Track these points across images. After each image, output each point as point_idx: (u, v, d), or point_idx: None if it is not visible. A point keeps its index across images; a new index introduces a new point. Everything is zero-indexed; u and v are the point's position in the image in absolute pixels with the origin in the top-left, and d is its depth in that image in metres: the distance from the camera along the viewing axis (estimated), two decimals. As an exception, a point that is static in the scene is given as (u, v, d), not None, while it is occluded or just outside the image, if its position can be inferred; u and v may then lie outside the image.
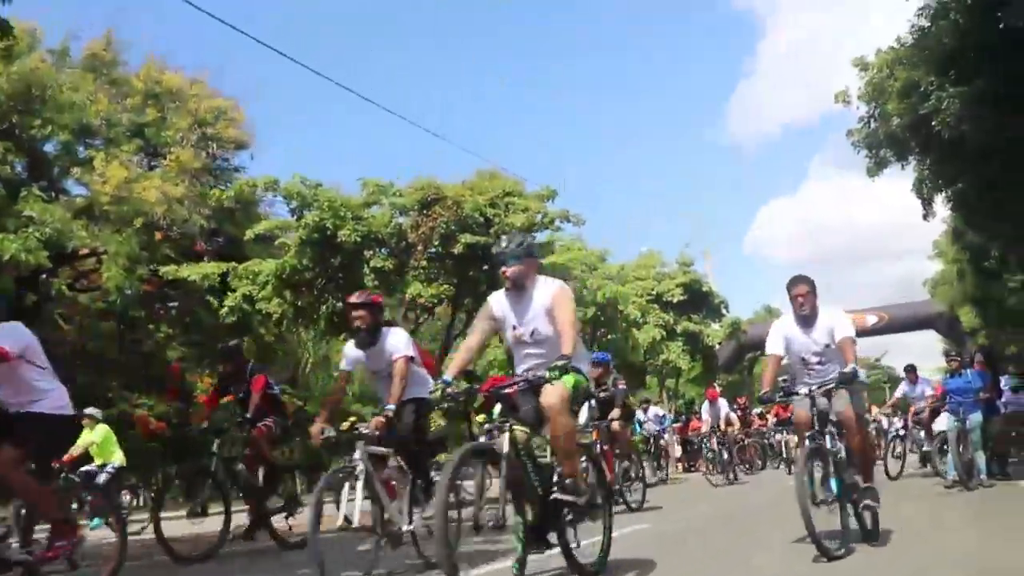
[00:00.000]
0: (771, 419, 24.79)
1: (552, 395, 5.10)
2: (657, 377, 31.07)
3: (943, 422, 13.74)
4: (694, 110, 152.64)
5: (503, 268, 5.60)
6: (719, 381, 33.34)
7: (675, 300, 29.02)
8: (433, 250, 15.95)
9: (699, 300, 30.64)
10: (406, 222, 16.19)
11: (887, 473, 15.12)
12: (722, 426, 19.30)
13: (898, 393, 16.39)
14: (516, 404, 5.46)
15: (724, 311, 31.85)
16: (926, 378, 16.78)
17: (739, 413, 23.40)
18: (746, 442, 22.48)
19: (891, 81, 14.46)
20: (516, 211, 16.27)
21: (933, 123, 12.97)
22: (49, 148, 25.58)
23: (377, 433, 6.35)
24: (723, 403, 20.20)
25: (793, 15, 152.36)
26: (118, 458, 13.41)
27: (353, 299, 7.08)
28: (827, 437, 6.52)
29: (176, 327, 28.93)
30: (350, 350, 7.04)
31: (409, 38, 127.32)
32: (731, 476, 18.87)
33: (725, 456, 19.02)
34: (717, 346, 32.26)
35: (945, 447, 13.49)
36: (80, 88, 25.44)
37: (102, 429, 13.18)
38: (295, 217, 15.42)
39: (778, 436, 24.30)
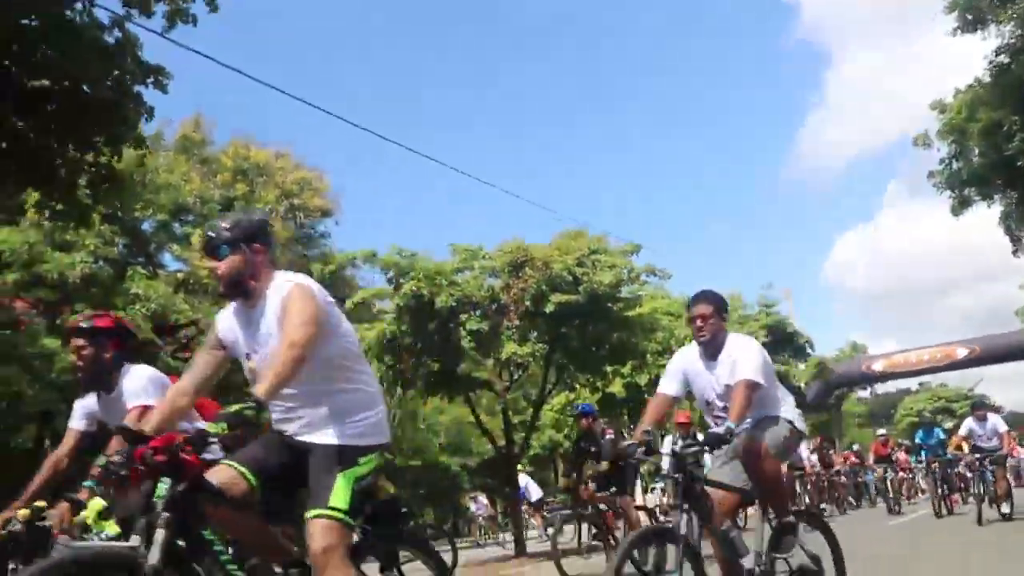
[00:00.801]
0: (870, 456, 24.47)
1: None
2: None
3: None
4: (762, 146, 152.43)
5: (211, 265, 3.84)
6: (810, 421, 33.21)
7: (760, 341, 29.10)
8: (524, 310, 16.46)
9: (784, 340, 30.70)
10: (497, 284, 16.74)
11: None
12: (807, 467, 18.66)
13: (963, 431, 15.13)
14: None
15: (809, 350, 31.80)
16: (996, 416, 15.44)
17: (816, 452, 22.29)
18: (825, 483, 21.30)
19: (972, 123, 14.62)
20: (603, 268, 16.71)
21: (1020, 163, 13.11)
22: (147, 227, 26.95)
23: None
24: (803, 444, 19.05)
25: (859, 49, 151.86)
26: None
27: (72, 323, 5.35)
28: (683, 516, 4.62)
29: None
30: (81, 403, 5.13)
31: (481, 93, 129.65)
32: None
33: (807, 500, 18.24)
34: (804, 386, 32.18)
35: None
36: (174, 169, 26.88)
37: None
38: (392, 285, 16.06)
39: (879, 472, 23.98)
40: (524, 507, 23.54)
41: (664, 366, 17.60)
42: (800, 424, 5.47)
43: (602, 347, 17.28)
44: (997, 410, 20.64)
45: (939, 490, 16.33)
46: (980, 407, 15.38)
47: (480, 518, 26.68)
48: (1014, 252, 17.06)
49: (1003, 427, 14.73)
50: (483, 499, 30.17)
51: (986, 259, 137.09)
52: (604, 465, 10.67)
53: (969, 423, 15.01)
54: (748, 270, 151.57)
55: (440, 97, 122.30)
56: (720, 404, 5.28)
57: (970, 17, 15.17)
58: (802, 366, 31.64)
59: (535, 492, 24.67)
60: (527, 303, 16.32)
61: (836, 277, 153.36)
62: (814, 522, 5.73)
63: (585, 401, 21.94)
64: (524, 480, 24.45)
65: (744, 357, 5.15)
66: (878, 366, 37.94)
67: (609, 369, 18.84)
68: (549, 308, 16.25)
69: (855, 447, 26.68)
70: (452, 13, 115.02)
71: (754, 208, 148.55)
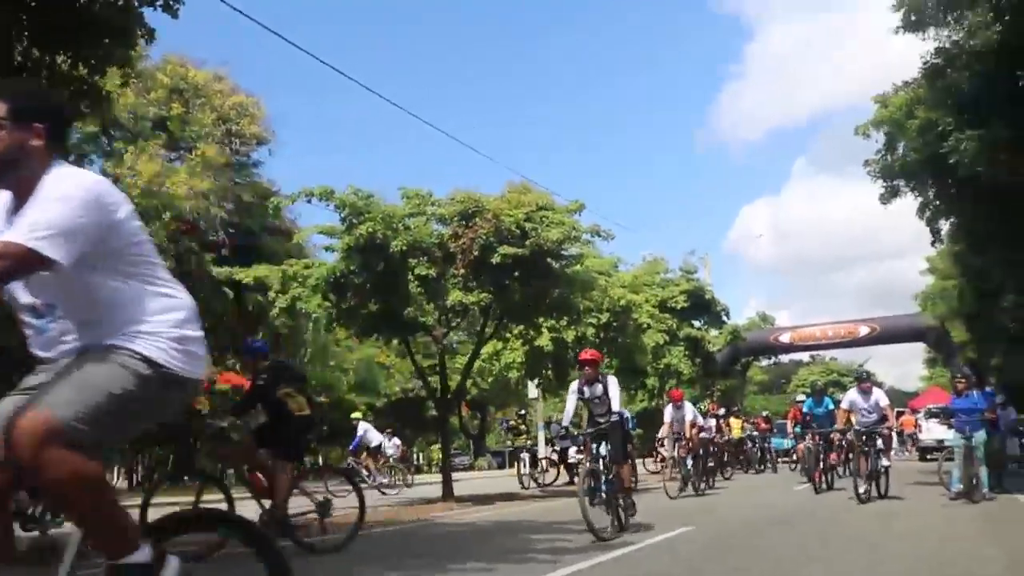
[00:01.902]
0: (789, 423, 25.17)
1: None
2: (658, 379, 32.00)
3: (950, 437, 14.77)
4: (680, 111, 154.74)
5: None
6: (719, 386, 34.58)
7: (679, 307, 30.09)
8: (471, 260, 16.83)
9: (701, 307, 31.73)
10: (446, 232, 17.06)
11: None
12: (687, 432, 17.65)
13: (845, 404, 15.33)
14: None
15: (725, 318, 32.91)
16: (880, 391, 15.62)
17: (713, 418, 22.45)
18: (714, 449, 20.81)
19: (911, 121, 15.47)
20: (551, 225, 17.16)
21: (951, 161, 13.95)
22: (75, 137, 26.19)
23: None
24: (688, 406, 18.56)
25: (781, 22, 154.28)
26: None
27: None
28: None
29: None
30: None
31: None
32: (698, 486, 17.46)
33: (689, 465, 17.49)
34: (717, 352, 33.34)
35: (949, 461, 14.68)
36: (107, 82, 26.14)
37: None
38: (345, 225, 16.20)
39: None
40: (364, 455, 24.13)
41: (594, 323, 18.03)
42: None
43: (542, 301, 17.76)
44: (880, 385, 21.53)
45: (819, 464, 16.86)
46: (865, 380, 15.37)
47: (391, 459, 26.85)
48: (933, 243, 18.17)
49: (885, 401, 14.92)
50: (397, 440, 30.39)
51: (883, 239, 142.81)
52: (263, 418, 9.39)
53: (852, 395, 15.09)
54: (666, 235, 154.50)
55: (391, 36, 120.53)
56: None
57: (913, 18, 15.95)
58: (716, 333, 32.83)
59: (375, 438, 24.75)
60: (476, 253, 16.70)
61: (739, 246, 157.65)
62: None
63: (514, 352, 22.52)
64: (364, 427, 24.72)
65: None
66: (785, 338, 39.54)
67: (543, 322, 19.39)
68: (496, 259, 16.66)
69: (765, 414, 27.83)
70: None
71: (670, 172, 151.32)
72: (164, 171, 25.75)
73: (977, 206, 16.00)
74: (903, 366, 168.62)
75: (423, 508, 16.27)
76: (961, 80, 14.32)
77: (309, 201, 16.14)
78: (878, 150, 17.29)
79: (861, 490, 13.78)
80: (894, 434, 20.38)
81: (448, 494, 17.91)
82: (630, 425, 20.22)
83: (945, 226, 18.74)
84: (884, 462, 14.61)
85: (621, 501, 10.22)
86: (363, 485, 12.00)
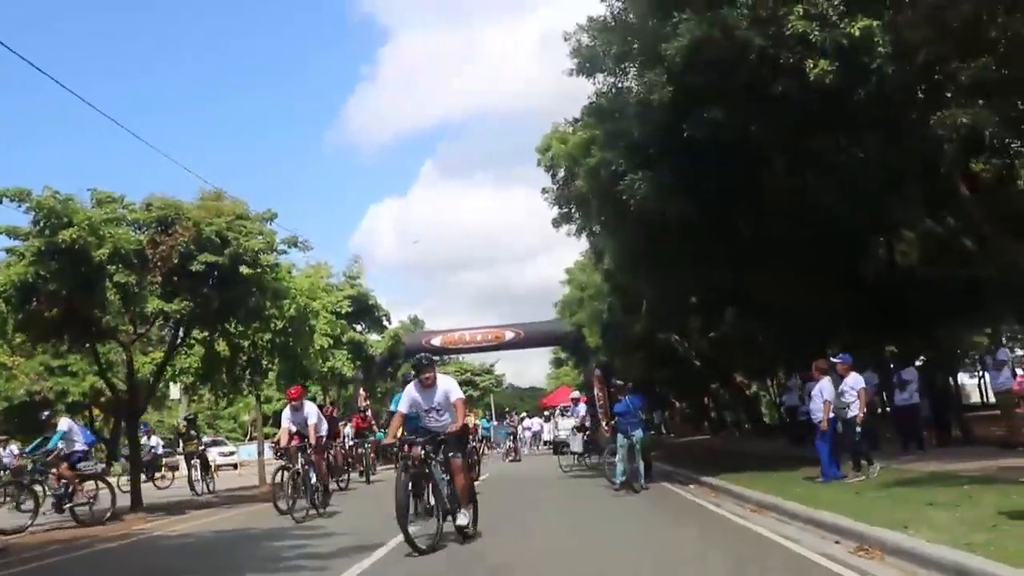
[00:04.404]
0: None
1: None
2: (322, 385, 32.49)
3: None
4: (313, 110, 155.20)
5: None
6: (380, 389, 35.72)
7: (343, 311, 30.89)
8: (170, 267, 16.63)
9: (364, 312, 32.78)
10: (143, 238, 16.69)
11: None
12: (311, 437, 14.83)
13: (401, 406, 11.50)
14: None
15: (386, 323, 34.19)
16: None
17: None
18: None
19: (588, 159, 17.55)
20: (251, 234, 17.37)
21: (624, 197, 16.07)
22: None
23: None
24: (311, 407, 15.70)
25: (415, 27, 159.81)
26: None
27: None
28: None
29: None
30: None
31: None
32: (315, 500, 14.44)
33: (312, 477, 14.47)
34: (377, 355, 34.51)
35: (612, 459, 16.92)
36: None
37: None
38: (38, 227, 15.32)
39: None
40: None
41: (284, 330, 18.22)
42: None
43: (239, 308, 17.86)
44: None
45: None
46: (426, 367, 10.17)
47: (7, 471, 24.17)
48: (596, 265, 20.57)
49: (457, 393, 10.27)
50: (14, 447, 27.82)
51: (501, 245, 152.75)
52: None
53: (412, 392, 10.21)
54: (302, 233, 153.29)
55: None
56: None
57: (588, 65, 18.08)
58: (377, 337, 34.01)
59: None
60: (175, 260, 16.53)
61: (364, 246, 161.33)
62: None
63: (190, 358, 22.08)
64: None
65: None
66: (437, 341, 41.66)
67: (233, 329, 19.37)
68: (196, 267, 16.63)
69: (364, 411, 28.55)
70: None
71: (298, 171, 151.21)
72: None
73: (635, 233, 18.38)
74: (523, 363, 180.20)
75: (117, 525, 15.33)
76: (631, 126, 16.52)
77: (0, 202, 15.08)
78: (555, 179, 19.43)
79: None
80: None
81: (137, 503, 17.48)
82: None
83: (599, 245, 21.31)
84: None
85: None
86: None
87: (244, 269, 17.13)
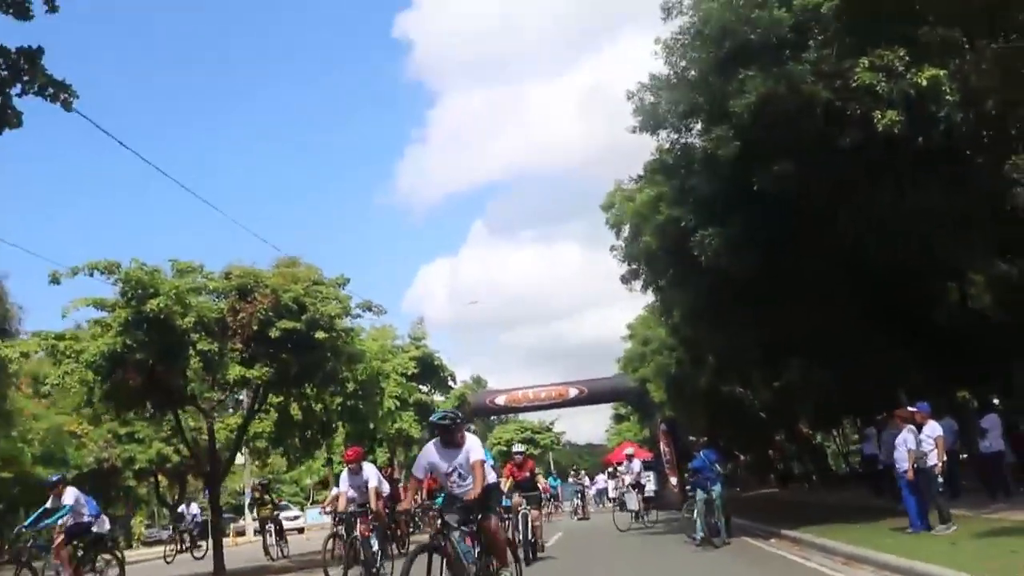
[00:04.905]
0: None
1: None
2: (389, 446, 32.74)
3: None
4: (365, 174, 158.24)
5: None
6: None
7: (409, 372, 31.20)
8: (250, 334, 17.06)
9: (429, 373, 33.04)
10: (223, 306, 17.16)
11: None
12: (372, 502, 13.66)
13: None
14: None
15: (452, 383, 34.42)
16: None
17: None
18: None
19: (658, 216, 17.76)
20: (327, 300, 17.77)
21: (695, 253, 16.20)
22: None
23: None
24: (370, 468, 14.56)
25: (462, 91, 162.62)
26: None
27: None
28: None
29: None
30: None
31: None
32: (376, 569, 13.44)
33: (374, 544, 13.55)
34: (444, 417, 34.59)
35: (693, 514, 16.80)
36: None
37: None
38: (126, 298, 15.84)
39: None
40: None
41: (355, 393, 18.33)
42: None
43: (316, 373, 18.19)
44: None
45: None
46: (453, 426, 9.05)
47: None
48: (661, 319, 20.66)
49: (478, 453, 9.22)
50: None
51: (549, 303, 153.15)
52: None
53: (430, 452, 8.97)
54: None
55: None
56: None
57: (651, 122, 18.35)
58: (442, 397, 34.21)
59: None
60: (255, 327, 16.94)
61: (415, 306, 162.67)
62: None
63: (263, 423, 22.45)
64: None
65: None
66: (501, 400, 41.77)
67: (310, 393, 19.72)
68: (274, 334, 17.01)
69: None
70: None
71: (350, 233, 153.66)
72: None
73: (702, 287, 18.46)
74: (578, 420, 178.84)
75: None
76: (699, 182, 16.72)
77: (91, 275, 15.66)
78: (624, 238, 19.74)
79: None
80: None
81: (220, 568, 17.69)
82: None
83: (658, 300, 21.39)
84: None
85: None
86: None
87: (320, 334, 17.46)
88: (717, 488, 16.43)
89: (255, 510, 26.19)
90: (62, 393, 16.72)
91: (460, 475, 8.58)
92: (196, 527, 28.83)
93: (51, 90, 8.24)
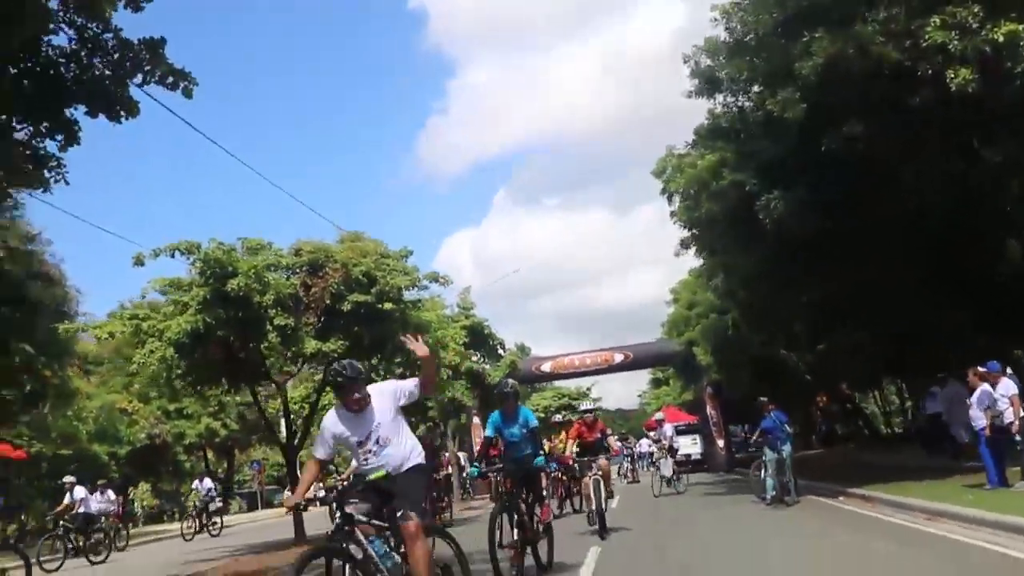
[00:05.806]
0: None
1: None
2: (441, 412, 33.06)
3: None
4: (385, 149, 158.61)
5: None
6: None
7: (460, 342, 31.45)
8: (323, 308, 17.38)
9: (479, 342, 33.32)
10: (296, 281, 17.49)
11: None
12: None
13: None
14: None
15: (501, 351, 34.72)
16: None
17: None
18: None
19: (721, 181, 17.84)
20: (396, 273, 18.05)
21: (761, 217, 16.29)
22: None
23: None
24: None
25: (481, 58, 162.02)
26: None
27: None
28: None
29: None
30: None
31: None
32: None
33: None
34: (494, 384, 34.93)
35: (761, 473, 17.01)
36: None
37: None
38: (204, 278, 16.21)
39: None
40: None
41: (415, 362, 18.61)
42: None
43: (388, 345, 18.48)
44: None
45: None
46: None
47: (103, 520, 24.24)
48: (709, 282, 20.64)
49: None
50: (111, 492, 27.91)
51: (570, 268, 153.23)
52: None
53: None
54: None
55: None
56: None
57: (707, 85, 18.37)
58: (488, 367, 34.59)
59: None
60: (327, 301, 17.27)
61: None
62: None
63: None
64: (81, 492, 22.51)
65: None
66: (547, 367, 41.91)
67: (377, 363, 20.03)
68: (346, 307, 17.33)
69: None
70: None
71: (374, 204, 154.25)
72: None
73: (764, 250, 18.53)
74: (606, 386, 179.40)
75: (285, 554, 15.78)
76: (762, 145, 16.77)
77: (173, 256, 16.05)
78: (682, 203, 19.80)
79: None
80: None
81: (300, 535, 18.15)
82: None
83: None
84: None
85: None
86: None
87: (387, 305, 17.75)
88: (787, 448, 16.66)
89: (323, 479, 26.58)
90: (144, 371, 17.11)
91: (379, 444, 6.28)
92: (212, 503, 28.95)
93: (171, 79, 8.48)
